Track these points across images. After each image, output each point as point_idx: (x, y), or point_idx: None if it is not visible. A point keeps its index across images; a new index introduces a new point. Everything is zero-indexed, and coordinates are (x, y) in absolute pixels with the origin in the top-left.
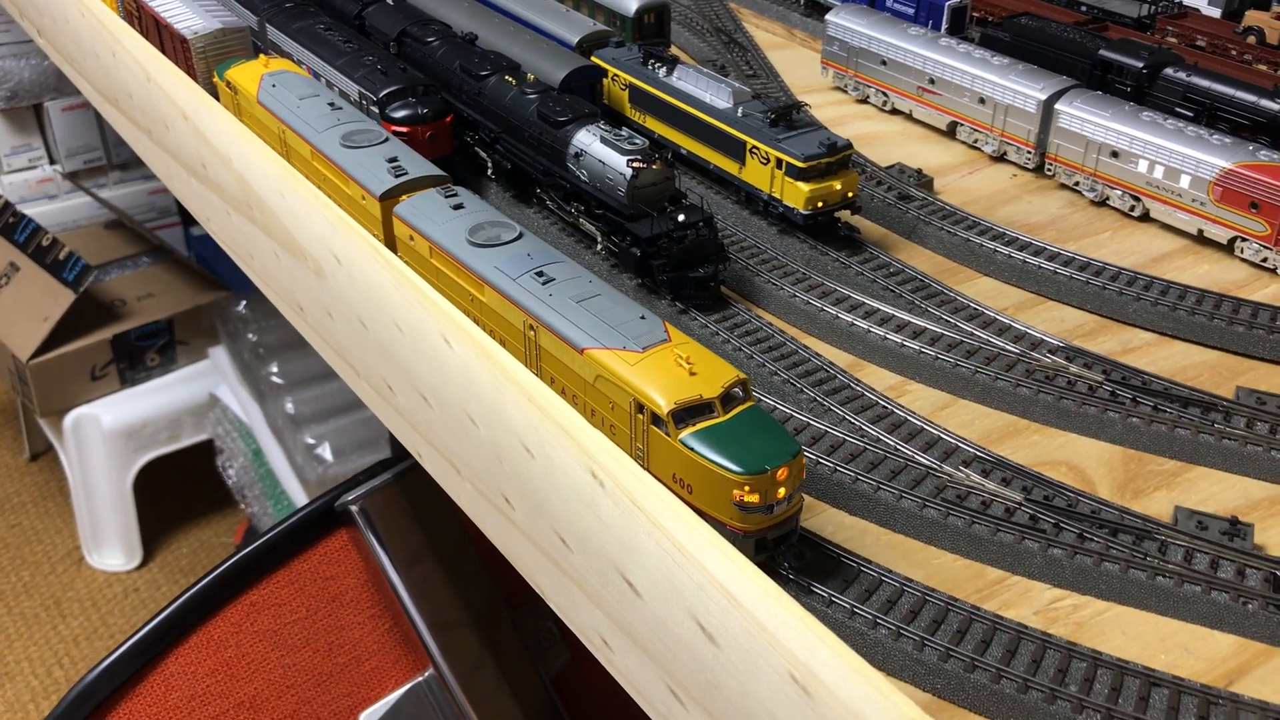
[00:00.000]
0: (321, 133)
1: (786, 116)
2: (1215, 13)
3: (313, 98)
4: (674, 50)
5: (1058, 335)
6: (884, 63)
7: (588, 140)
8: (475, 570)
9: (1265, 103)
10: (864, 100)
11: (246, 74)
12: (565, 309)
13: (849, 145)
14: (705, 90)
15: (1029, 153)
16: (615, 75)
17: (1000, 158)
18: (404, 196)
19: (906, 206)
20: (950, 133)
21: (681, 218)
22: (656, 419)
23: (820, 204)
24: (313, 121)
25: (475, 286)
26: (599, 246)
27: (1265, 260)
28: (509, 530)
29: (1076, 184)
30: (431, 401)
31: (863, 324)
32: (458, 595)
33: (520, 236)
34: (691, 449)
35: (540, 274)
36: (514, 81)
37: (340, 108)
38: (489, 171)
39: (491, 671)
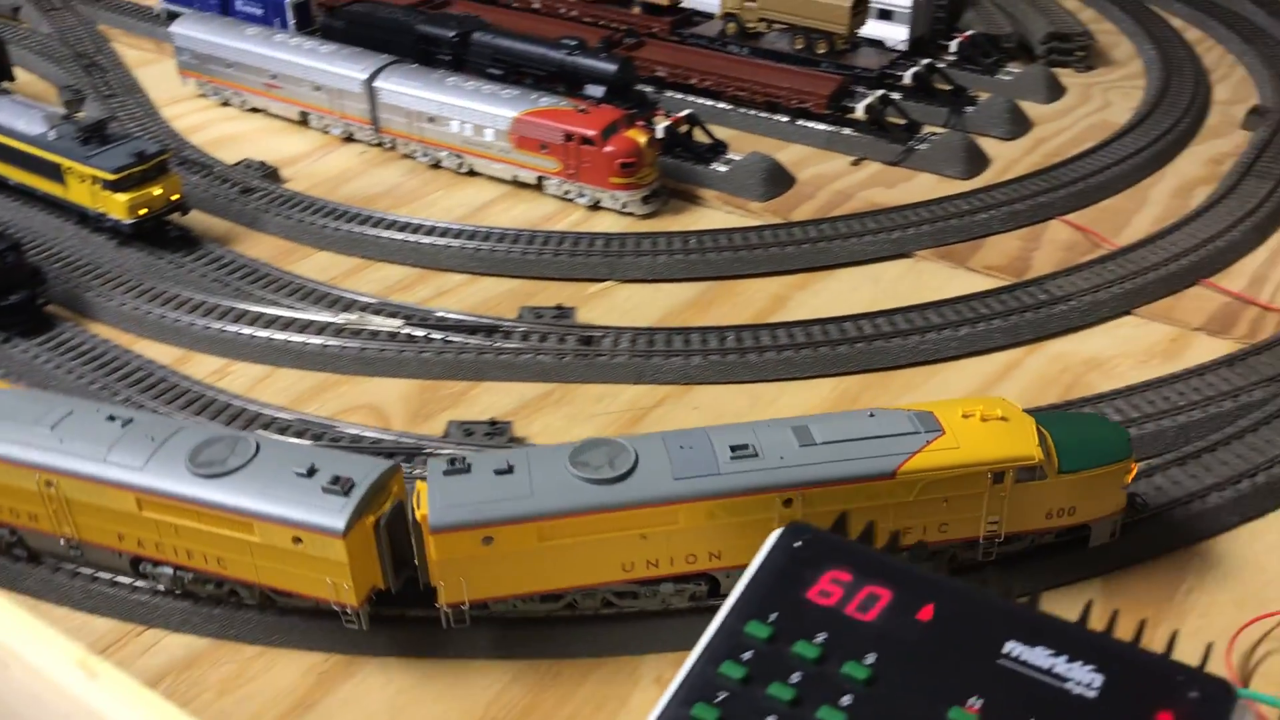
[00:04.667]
0: (145, 467)
1: (98, 133)
2: None
3: (69, 417)
4: (29, 80)
5: (378, 293)
6: (230, 65)
7: None
8: None
9: (552, 54)
10: (225, 103)
11: None
12: (817, 456)
13: (162, 151)
14: (18, 119)
15: (369, 130)
16: None
17: (350, 138)
18: (370, 518)
19: (249, 199)
20: (304, 122)
21: None
22: (1028, 471)
23: (144, 211)
24: (110, 454)
25: (662, 519)
26: None
27: (567, 193)
28: None
29: (413, 152)
30: None
31: (188, 318)
32: None
33: (624, 447)
34: (1079, 470)
35: (734, 450)
36: None
37: (128, 419)
38: None
39: None
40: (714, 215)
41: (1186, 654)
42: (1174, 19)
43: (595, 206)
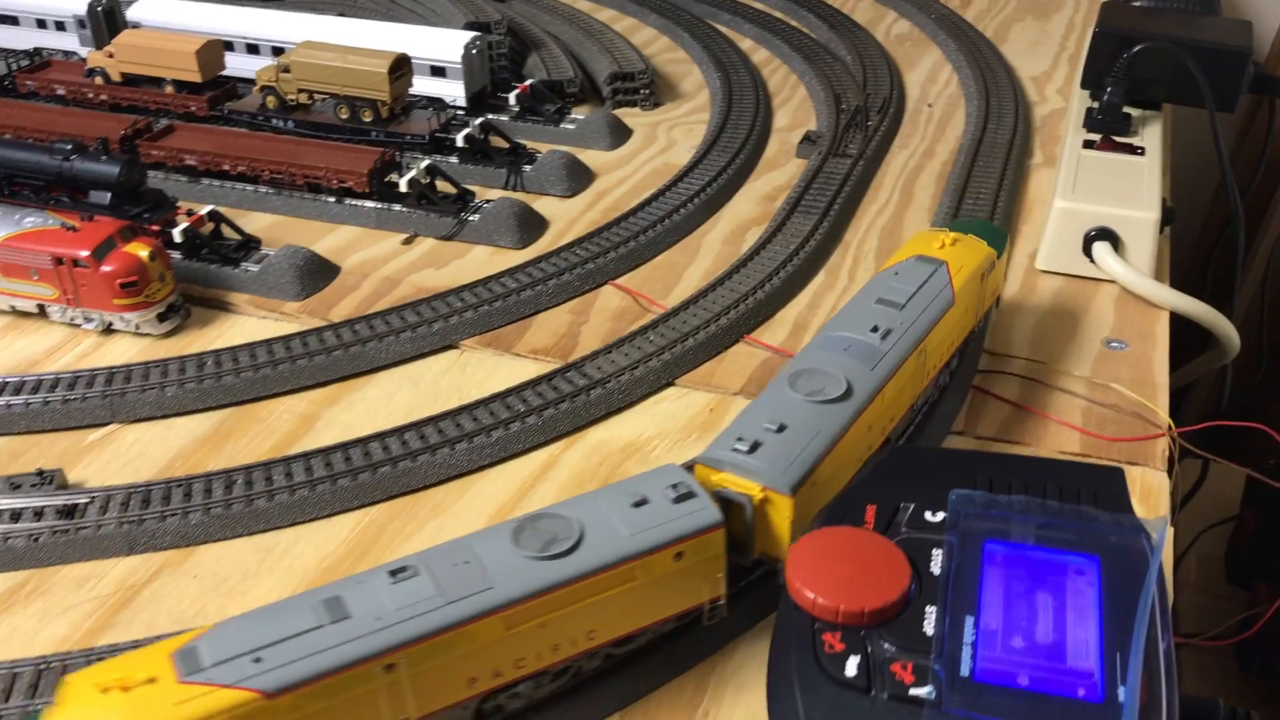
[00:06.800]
0: (496, 585)
1: None
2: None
3: (346, 601)
4: None
5: None
6: None
7: None
8: None
9: (47, 161)
10: None
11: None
12: (909, 315)
13: None
14: None
15: None
16: None
17: None
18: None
19: None
20: None
21: None
22: (992, 264)
23: None
24: (447, 593)
25: (873, 411)
26: None
27: (73, 320)
28: None
29: None
30: None
31: None
32: None
33: (827, 372)
34: (1001, 251)
35: (875, 329)
36: None
37: (407, 566)
38: None
39: None
40: (246, 323)
41: None
42: (744, 40)
43: (108, 330)
